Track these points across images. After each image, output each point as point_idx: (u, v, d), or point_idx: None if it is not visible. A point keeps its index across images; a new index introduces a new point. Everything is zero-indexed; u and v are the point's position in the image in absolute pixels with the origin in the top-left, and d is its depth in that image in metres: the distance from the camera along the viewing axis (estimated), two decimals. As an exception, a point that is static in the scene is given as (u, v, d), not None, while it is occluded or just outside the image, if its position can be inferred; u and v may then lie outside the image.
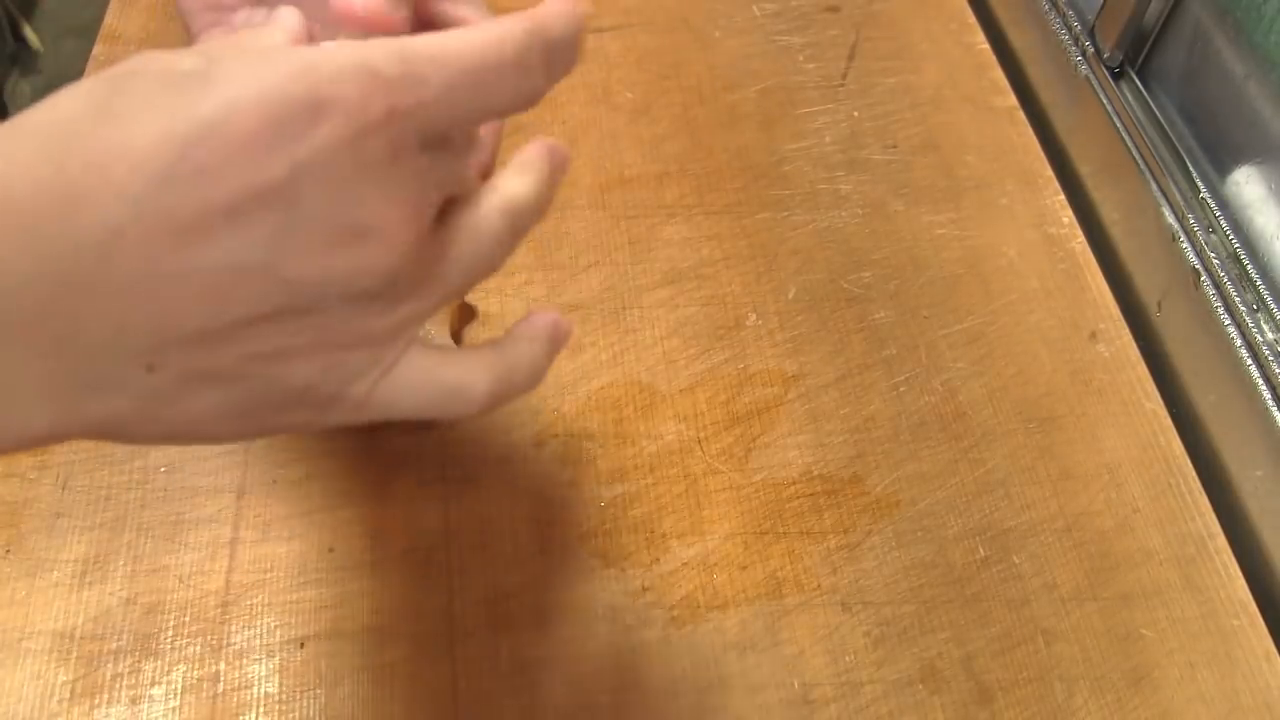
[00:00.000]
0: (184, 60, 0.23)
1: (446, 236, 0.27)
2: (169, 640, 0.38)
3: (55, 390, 0.23)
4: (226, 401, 0.25)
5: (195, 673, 0.38)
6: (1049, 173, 0.57)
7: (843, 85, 0.60)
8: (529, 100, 0.27)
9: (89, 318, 0.22)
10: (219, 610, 0.39)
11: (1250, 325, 0.46)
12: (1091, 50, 0.57)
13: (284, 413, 0.26)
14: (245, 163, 0.22)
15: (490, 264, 0.28)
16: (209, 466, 0.42)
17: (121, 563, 0.40)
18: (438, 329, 0.44)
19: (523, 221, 0.28)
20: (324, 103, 0.23)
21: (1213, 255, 0.48)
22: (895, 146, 0.57)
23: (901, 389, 0.48)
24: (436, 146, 0.26)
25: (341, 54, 0.23)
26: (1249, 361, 0.45)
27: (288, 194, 0.22)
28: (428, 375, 0.27)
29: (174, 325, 0.23)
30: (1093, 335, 0.50)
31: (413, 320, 0.27)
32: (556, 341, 0.30)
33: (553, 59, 0.27)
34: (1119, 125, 0.55)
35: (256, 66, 0.23)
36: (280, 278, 0.23)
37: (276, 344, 0.24)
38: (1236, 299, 0.47)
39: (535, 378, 0.30)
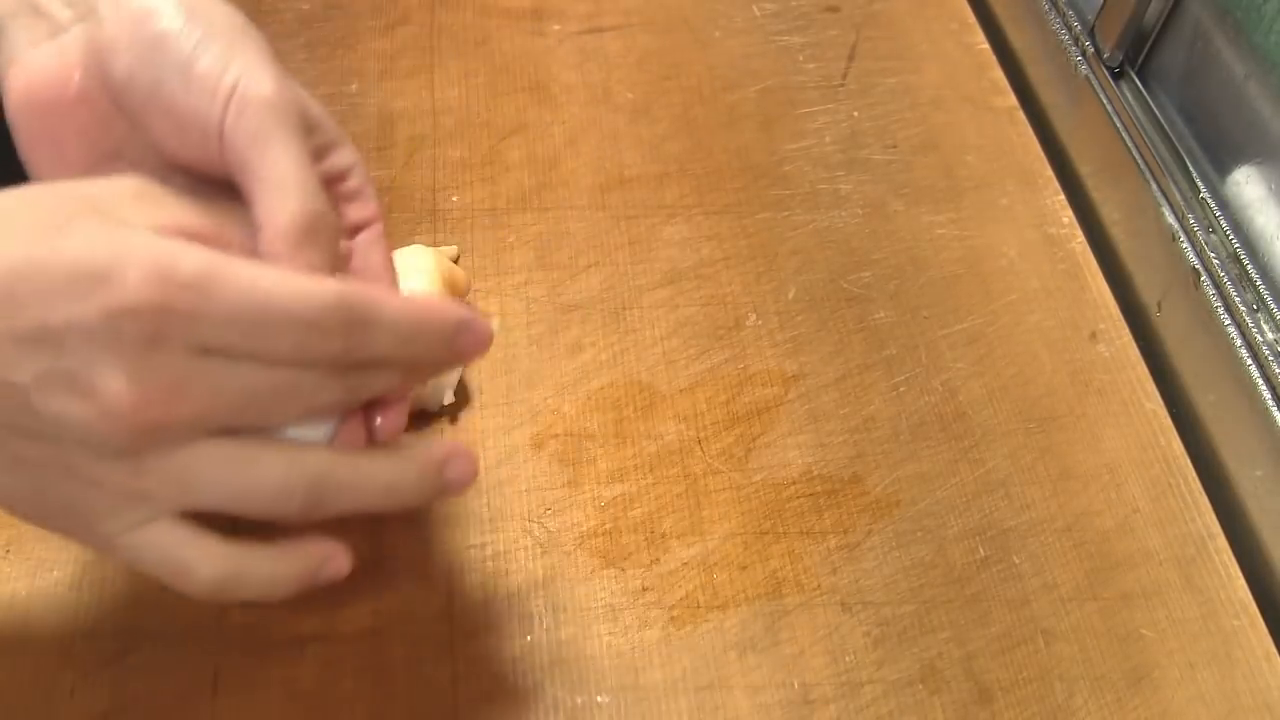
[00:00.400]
0: (74, 209, 0.27)
1: (206, 451, 0.28)
2: (169, 640, 0.38)
3: None
4: (7, 486, 0.28)
5: (195, 673, 0.38)
6: (1049, 173, 0.57)
7: (843, 85, 0.60)
8: (326, 358, 0.29)
9: None
10: (219, 610, 0.39)
11: (1250, 325, 0.46)
12: (1091, 50, 0.57)
13: (56, 518, 0.30)
14: (42, 304, 0.26)
15: (243, 502, 0.29)
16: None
17: (122, 563, 0.40)
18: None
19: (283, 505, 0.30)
20: (111, 277, 0.26)
21: (1213, 255, 0.48)
22: (895, 146, 0.57)
23: (901, 389, 0.48)
24: (225, 358, 0.27)
25: (157, 248, 0.26)
26: (1249, 361, 0.45)
27: (57, 339, 0.26)
28: (164, 549, 0.29)
29: None
30: (1093, 335, 0.50)
31: (160, 498, 0.28)
32: (308, 574, 0.31)
33: (363, 338, 0.29)
34: (1119, 125, 0.55)
35: (100, 231, 0.27)
36: (29, 403, 0.26)
37: (33, 456, 0.27)
38: (1236, 299, 0.47)
39: (268, 591, 0.31)
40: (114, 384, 0.26)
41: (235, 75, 0.30)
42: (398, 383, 0.31)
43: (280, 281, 0.27)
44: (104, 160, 0.33)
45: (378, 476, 0.31)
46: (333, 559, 0.32)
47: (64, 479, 0.28)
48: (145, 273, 0.26)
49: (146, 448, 0.27)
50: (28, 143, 0.33)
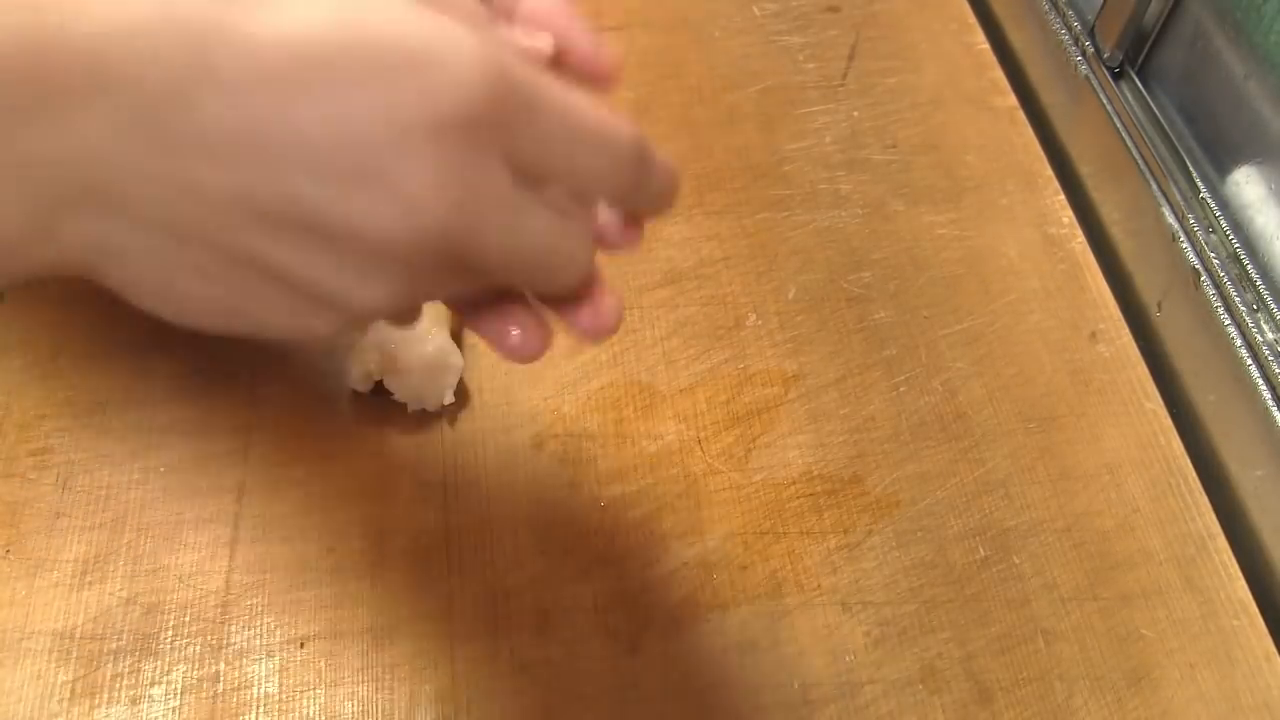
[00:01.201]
0: None
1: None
2: (169, 640, 0.38)
3: (49, 188, 0.23)
4: (218, 282, 0.25)
5: (195, 673, 0.38)
6: (1049, 173, 0.57)
7: (843, 85, 0.60)
8: (612, 192, 0.29)
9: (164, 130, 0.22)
10: (219, 610, 0.39)
11: (1250, 325, 0.46)
12: (1091, 50, 0.57)
13: (264, 308, 0.26)
14: (354, 82, 0.23)
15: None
16: (209, 466, 0.42)
17: (121, 563, 0.40)
18: (438, 329, 0.44)
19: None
20: (444, 66, 0.23)
21: (1213, 255, 0.48)
22: (895, 146, 0.57)
23: (901, 389, 0.48)
24: (525, 185, 0.26)
25: (489, 44, 0.24)
26: (1249, 361, 0.45)
27: (365, 121, 0.23)
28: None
29: (233, 189, 0.23)
30: (1093, 335, 0.50)
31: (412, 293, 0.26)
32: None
33: (646, 177, 0.29)
34: (1119, 125, 0.55)
35: (428, 12, 0.24)
36: (320, 199, 0.23)
37: (284, 253, 0.24)
38: (1236, 299, 0.47)
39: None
40: (424, 180, 0.24)
41: None
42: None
43: (590, 109, 0.27)
44: None
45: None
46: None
47: (299, 279, 0.25)
48: (486, 67, 0.24)
49: (427, 266, 0.25)
50: None
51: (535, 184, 0.27)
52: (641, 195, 0.29)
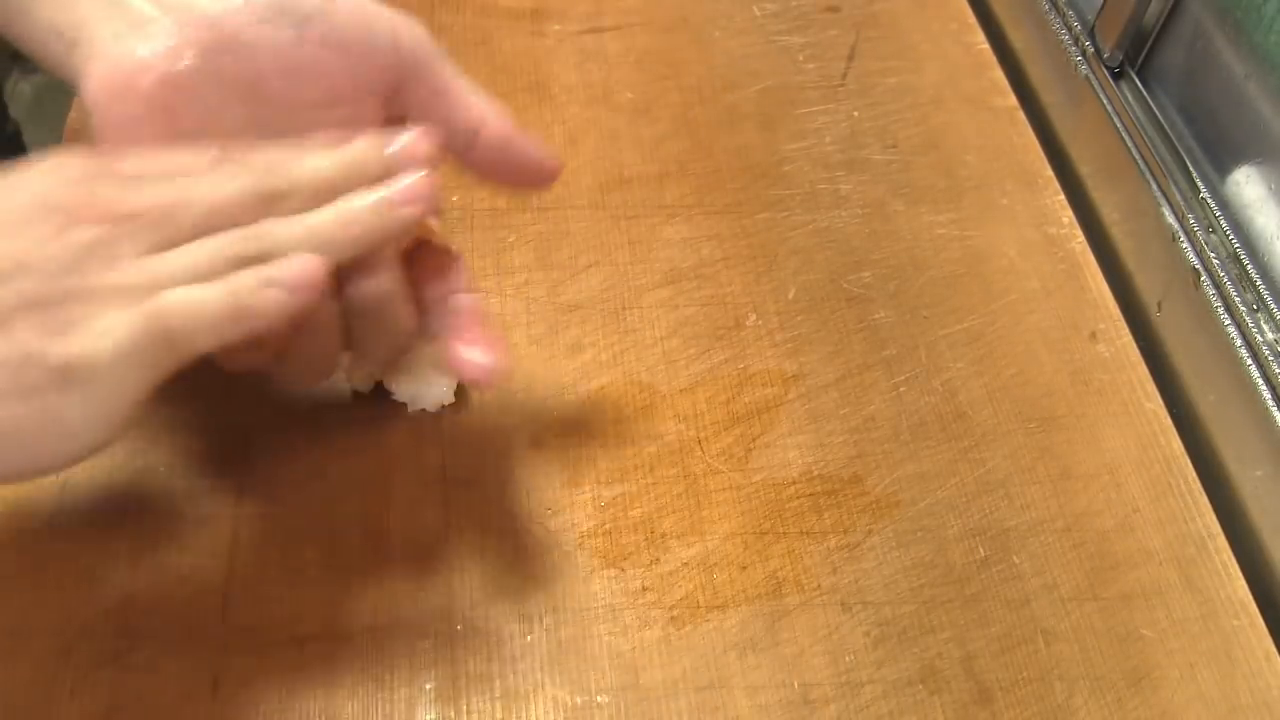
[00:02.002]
0: None
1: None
2: (169, 640, 0.38)
3: None
4: None
5: (195, 673, 0.38)
6: (1049, 173, 0.57)
7: (843, 85, 0.60)
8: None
9: None
10: (219, 610, 0.39)
11: (1250, 325, 0.46)
12: (1091, 50, 0.57)
13: (17, 404, 0.30)
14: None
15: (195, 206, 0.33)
16: (209, 467, 0.42)
17: (121, 563, 0.40)
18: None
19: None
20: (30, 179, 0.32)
21: (1213, 255, 0.48)
22: (895, 146, 0.57)
23: (901, 389, 0.48)
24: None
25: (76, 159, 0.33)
26: (1249, 361, 0.45)
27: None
28: (166, 301, 0.31)
29: None
30: (1093, 335, 0.50)
31: (134, 289, 0.31)
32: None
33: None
34: (1119, 125, 0.55)
35: None
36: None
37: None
38: (1236, 299, 0.47)
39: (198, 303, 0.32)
40: (66, 186, 0.32)
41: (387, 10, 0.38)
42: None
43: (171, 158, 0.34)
44: (180, 138, 0.36)
45: (317, 168, 0.35)
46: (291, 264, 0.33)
47: (31, 314, 0.30)
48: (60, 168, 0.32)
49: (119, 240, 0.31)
50: (107, 128, 0.35)
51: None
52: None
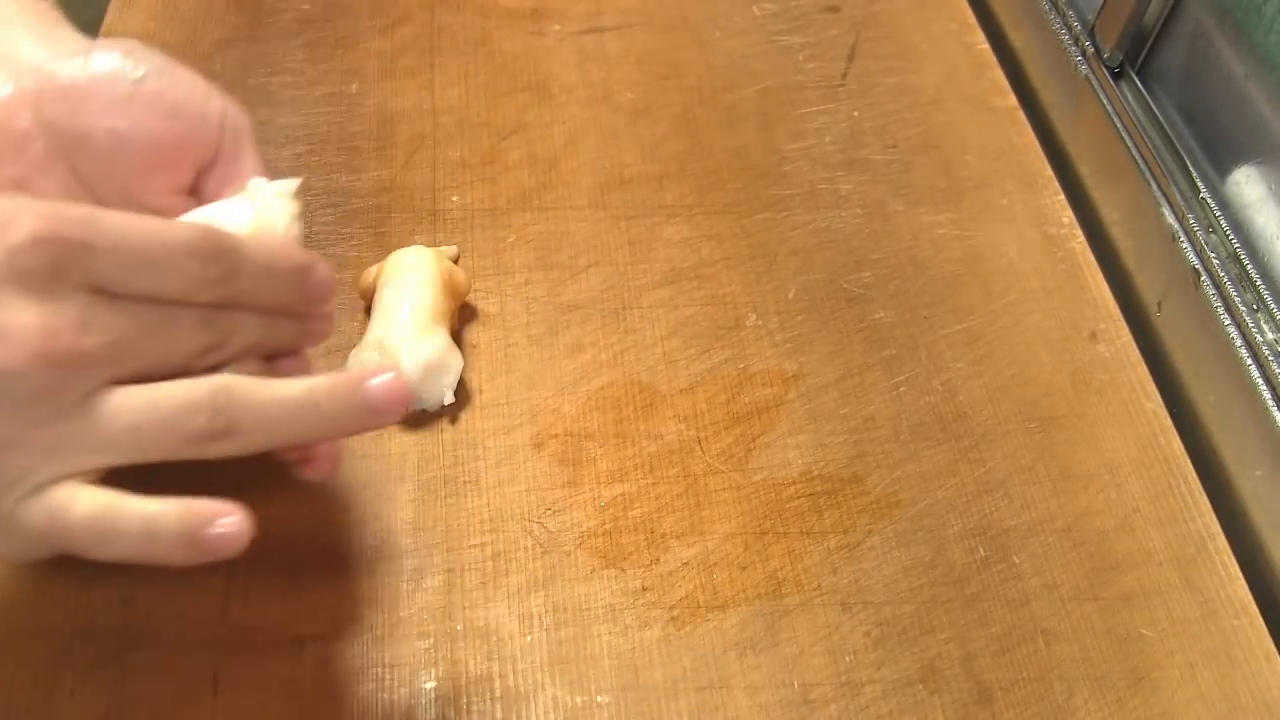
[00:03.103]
0: None
1: (116, 391, 0.30)
2: (169, 640, 0.38)
3: None
4: None
5: (195, 673, 0.38)
6: (1049, 173, 0.57)
7: (843, 85, 0.60)
8: (209, 292, 0.32)
9: None
10: (219, 610, 0.39)
11: (1250, 325, 0.46)
12: (1091, 50, 0.57)
13: None
14: None
15: (154, 430, 0.31)
16: (209, 466, 0.42)
17: (122, 563, 0.40)
18: (438, 329, 0.44)
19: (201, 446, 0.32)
20: (6, 224, 0.28)
21: (1213, 255, 0.48)
22: (895, 146, 0.57)
23: (901, 389, 0.48)
24: (117, 300, 0.30)
25: (44, 203, 0.29)
26: (1249, 361, 0.45)
27: None
28: (52, 504, 0.30)
29: None
30: (1093, 335, 0.50)
31: (75, 446, 0.30)
32: (191, 528, 0.31)
33: (231, 266, 0.32)
34: (1119, 125, 0.55)
35: None
36: None
37: None
38: (1236, 299, 0.47)
39: (147, 542, 0.31)
40: (24, 317, 0.28)
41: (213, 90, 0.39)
42: (261, 336, 0.34)
43: (152, 220, 0.31)
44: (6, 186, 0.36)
45: (287, 390, 0.32)
46: (224, 518, 0.31)
47: None
48: (37, 214, 0.29)
49: (63, 383, 0.29)
50: None
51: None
52: (235, 286, 0.33)
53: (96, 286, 0.30)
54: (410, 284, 0.44)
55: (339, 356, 0.45)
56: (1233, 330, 0.46)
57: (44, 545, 0.31)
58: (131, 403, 0.30)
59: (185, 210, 0.38)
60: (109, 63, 0.37)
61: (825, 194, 0.55)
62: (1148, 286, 0.53)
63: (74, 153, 0.36)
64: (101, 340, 0.30)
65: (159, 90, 0.37)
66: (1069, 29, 0.59)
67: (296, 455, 0.37)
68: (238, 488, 0.42)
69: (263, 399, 0.32)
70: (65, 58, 0.37)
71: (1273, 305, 0.46)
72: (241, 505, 0.31)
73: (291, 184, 0.41)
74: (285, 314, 0.36)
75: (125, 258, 0.30)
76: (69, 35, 0.38)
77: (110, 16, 0.59)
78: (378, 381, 0.33)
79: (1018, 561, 0.43)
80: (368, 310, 0.45)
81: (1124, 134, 0.54)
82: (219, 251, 0.32)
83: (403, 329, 0.43)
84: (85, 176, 0.37)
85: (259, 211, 0.38)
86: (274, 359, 0.36)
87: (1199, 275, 0.49)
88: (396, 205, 0.52)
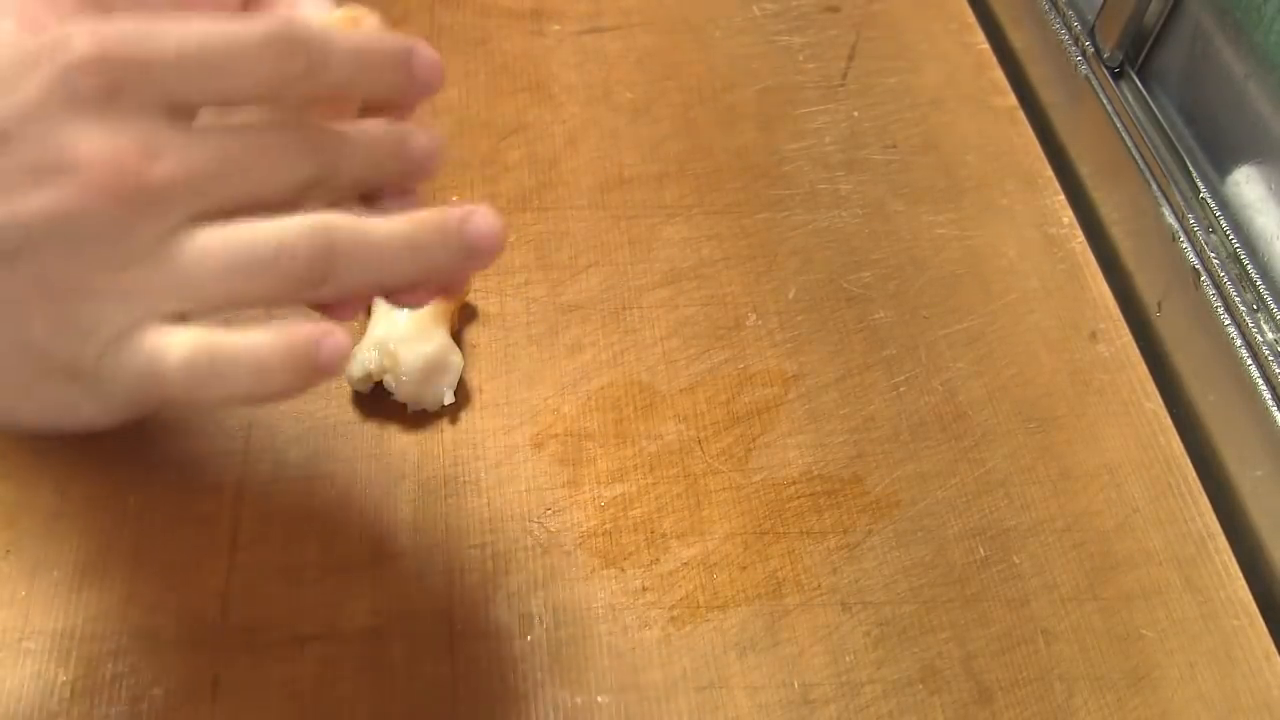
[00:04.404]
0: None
1: (198, 230, 0.27)
2: (169, 640, 0.38)
3: None
4: None
5: (195, 673, 0.38)
6: (1049, 173, 0.57)
7: (843, 85, 0.60)
8: (296, 89, 0.28)
9: None
10: (219, 610, 0.39)
11: (1250, 325, 0.46)
12: (1091, 50, 0.57)
13: (29, 381, 0.27)
14: None
15: (244, 274, 0.27)
16: (209, 466, 0.42)
17: (121, 563, 0.40)
18: (438, 329, 0.44)
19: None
20: (55, 47, 0.25)
21: (1213, 255, 0.48)
22: (895, 146, 0.57)
23: (901, 389, 0.48)
24: (189, 120, 0.27)
25: (91, 22, 0.26)
26: (1249, 361, 0.45)
27: (8, 133, 0.25)
28: (145, 352, 0.27)
29: None
30: (1093, 335, 0.50)
31: (154, 290, 0.27)
32: (301, 353, 0.28)
33: (318, 59, 0.28)
34: (1119, 125, 0.55)
35: (28, 27, 0.26)
36: None
37: (4, 293, 0.25)
38: (1236, 299, 0.47)
39: (256, 378, 0.27)
40: (85, 145, 0.25)
41: None
42: (369, 167, 0.30)
43: (215, 23, 0.27)
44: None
45: (390, 230, 0.29)
46: (328, 336, 0.28)
47: (34, 304, 0.26)
48: (90, 31, 0.25)
49: (135, 220, 0.26)
50: None
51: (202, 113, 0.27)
52: (326, 81, 0.28)
53: (170, 105, 0.27)
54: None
55: (339, 356, 0.45)
56: (1233, 330, 0.46)
57: (139, 399, 0.28)
58: (220, 243, 0.27)
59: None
60: None
61: (825, 194, 0.55)
62: (1148, 286, 0.53)
63: None
64: (177, 168, 0.26)
65: None
66: (1069, 29, 0.59)
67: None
68: (240, 486, 0.42)
69: (368, 240, 0.28)
70: None
71: (1273, 305, 0.46)
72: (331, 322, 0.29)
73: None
74: (391, 138, 0.31)
75: (193, 64, 0.26)
76: None
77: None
78: (477, 219, 0.30)
79: (1018, 561, 0.43)
80: (368, 310, 0.45)
81: (1124, 134, 0.54)
82: (299, 40, 0.28)
83: (403, 329, 0.43)
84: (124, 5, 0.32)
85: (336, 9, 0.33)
86: (376, 201, 0.32)
87: (1199, 275, 0.49)
88: (396, 205, 0.52)
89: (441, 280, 0.31)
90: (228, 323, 0.28)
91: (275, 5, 0.33)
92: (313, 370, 0.28)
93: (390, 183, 0.31)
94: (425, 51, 0.31)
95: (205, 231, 0.27)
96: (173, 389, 0.27)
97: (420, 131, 0.31)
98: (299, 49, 0.28)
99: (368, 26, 0.33)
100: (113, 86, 0.25)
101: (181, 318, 0.27)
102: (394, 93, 0.31)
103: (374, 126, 0.30)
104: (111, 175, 0.25)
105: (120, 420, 0.28)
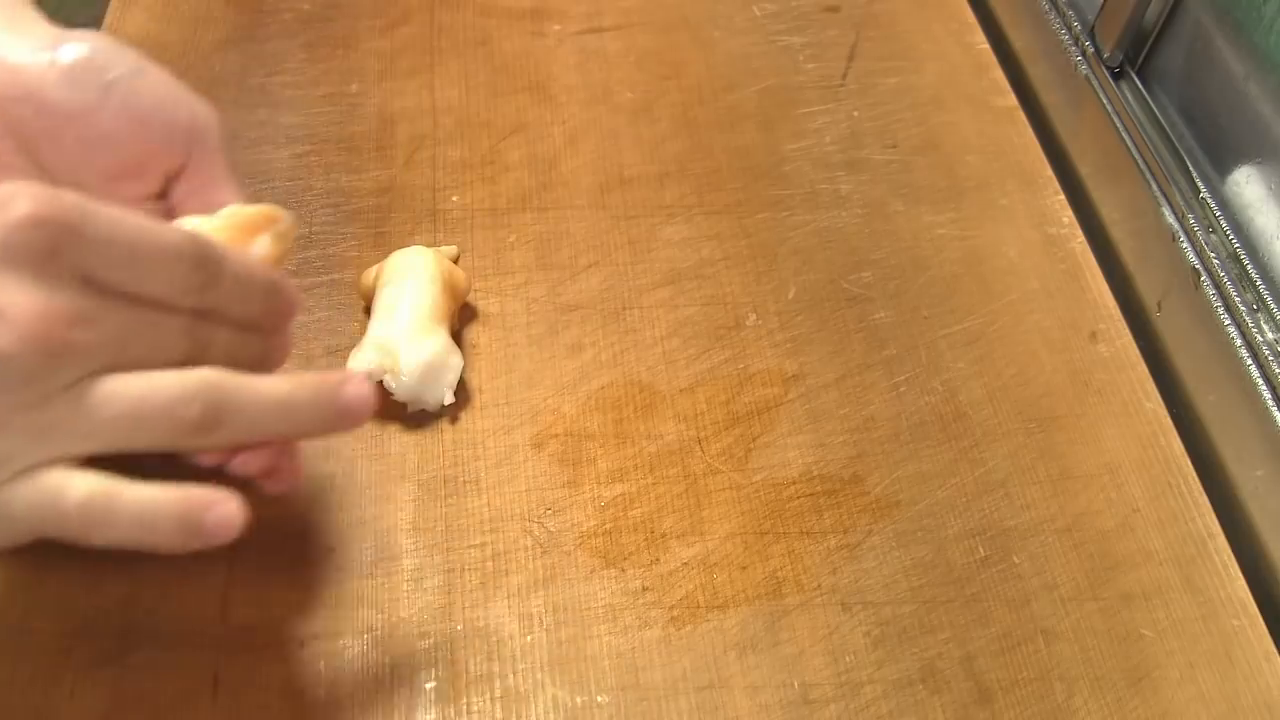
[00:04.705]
0: None
1: (106, 379, 0.30)
2: (169, 640, 0.38)
3: None
4: None
5: (195, 673, 0.38)
6: (1049, 173, 0.57)
7: (843, 85, 0.60)
8: (191, 297, 0.32)
9: None
10: (219, 610, 0.39)
11: (1250, 325, 0.46)
12: (1091, 50, 0.57)
13: None
14: None
15: (143, 420, 0.30)
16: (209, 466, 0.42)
17: (121, 562, 0.40)
18: (438, 329, 0.44)
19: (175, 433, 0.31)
20: (4, 204, 0.28)
21: (1213, 255, 0.48)
22: (895, 146, 0.57)
23: (901, 389, 0.48)
24: (106, 296, 0.30)
25: (40, 186, 0.29)
26: (1249, 361, 0.45)
27: None
28: (42, 488, 0.30)
29: None
30: (1093, 335, 0.50)
31: (64, 430, 0.30)
32: (188, 513, 0.31)
33: (213, 275, 0.33)
34: (1119, 125, 0.55)
35: None
36: None
37: None
38: (1236, 299, 0.47)
39: (144, 527, 0.31)
40: (20, 298, 0.28)
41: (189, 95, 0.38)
42: (232, 352, 0.34)
43: (144, 218, 0.31)
44: None
45: (271, 388, 0.33)
46: (219, 505, 0.31)
47: None
48: (33, 195, 0.29)
49: (54, 369, 0.29)
50: None
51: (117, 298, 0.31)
52: (215, 295, 0.33)
53: (88, 277, 0.30)
54: (410, 284, 0.44)
55: (339, 357, 0.45)
56: (1233, 330, 0.46)
57: (34, 530, 0.31)
58: (124, 390, 0.30)
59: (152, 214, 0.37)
60: (77, 62, 0.36)
61: (825, 194, 0.55)
62: (1148, 286, 0.53)
63: (39, 154, 0.36)
64: (94, 332, 0.30)
65: (126, 97, 0.36)
66: (1069, 29, 0.59)
67: (259, 467, 0.37)
68: (239, 485, 0.42)
69: (251, 395, 0.32)
70: (32, 51, 0.36)
71: (1273, 305, 0.46)
72: (236, 493, 0.31)
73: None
74: (252, 330, 0.36)
75: (118, 250, 0.30)
76: (36, 23, 0.37)
77: (110, 16, 0.59)
78: (350, 386, 0.34)
79: (1018, 561, 0.43)
80: (368, 310, 0.45)
81: (1124, 134, 0.54)
82: (205, 258, 0.32)
83: (403, 329, 0.43)
84: (54, 177, 0.36)
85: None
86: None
87: (1199, 275, 0.49)
88: (396, 205, 0.52)
89: (313, 435, 0.36)
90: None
91: (196, 188, 0.38)
92: (197, 536, 0.31)
93: (247, 367, 0.35)
94: (289, 290, 0.36)
95: (112, 380, 0.30)
96: (68, 525, 0.30)
97: (285, 290, 0.36)
98: (204, 264, 0.32)
99: (283, 227, 0.38)
100: (51, 249, 0.29)
101: (89, 461, 0.31)
102: (259, 318, 0.35)
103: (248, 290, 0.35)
104: (41, 331, 0.28)
105: (10, 545, 0.31)
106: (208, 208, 0.38)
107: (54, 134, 0.36)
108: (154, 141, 0.37)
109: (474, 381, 0.46)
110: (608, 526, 0.42)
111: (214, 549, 0.40)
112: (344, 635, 0.39)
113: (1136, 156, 0.53)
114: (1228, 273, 0.48)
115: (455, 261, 0.48)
